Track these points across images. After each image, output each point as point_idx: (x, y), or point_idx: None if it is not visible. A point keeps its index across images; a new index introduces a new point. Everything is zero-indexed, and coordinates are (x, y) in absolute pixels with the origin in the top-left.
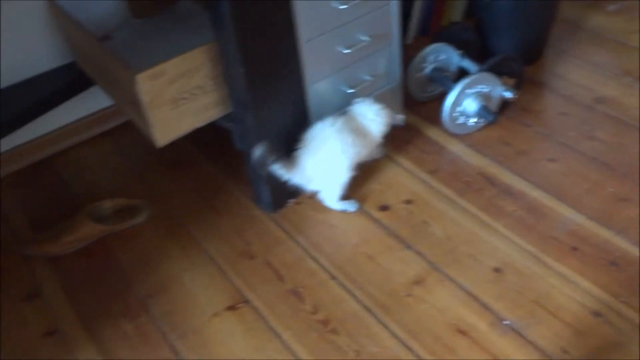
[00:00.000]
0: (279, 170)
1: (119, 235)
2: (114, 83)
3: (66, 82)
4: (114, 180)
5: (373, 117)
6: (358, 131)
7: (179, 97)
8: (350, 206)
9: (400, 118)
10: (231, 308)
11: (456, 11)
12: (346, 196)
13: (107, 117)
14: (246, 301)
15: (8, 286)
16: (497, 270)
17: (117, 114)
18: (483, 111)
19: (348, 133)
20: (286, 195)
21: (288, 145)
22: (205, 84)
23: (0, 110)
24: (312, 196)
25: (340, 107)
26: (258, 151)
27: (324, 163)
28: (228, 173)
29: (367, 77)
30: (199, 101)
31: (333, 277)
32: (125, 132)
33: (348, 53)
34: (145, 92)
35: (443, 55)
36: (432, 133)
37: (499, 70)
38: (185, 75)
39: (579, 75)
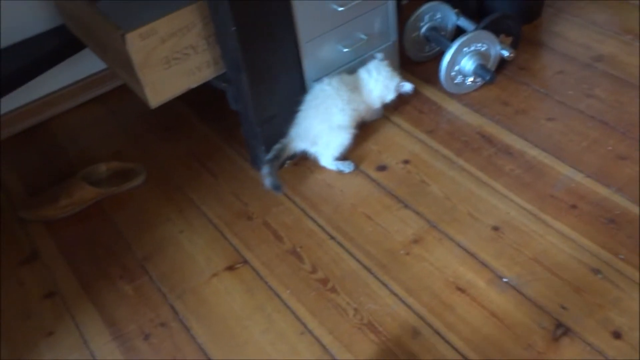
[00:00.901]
0: (290, 151)
1: (115, 198)
2: (105, 45)
3: (56, 45)
4: (109, 144)
5: (378, 78)
6: (355, 88)
7: (171, 56)
8: (346, 167)
9: (408, 86)
10: (230, 268)
11: None
12: (343, 157)
13: (100, 81)
14: (245, 261)
15: (6, 250)
16: (495, 228)
17: (110, 77)
18: (481, 70)
19: (345, 90)
20: None
21: (284, 105)
22: (197, 43)
23: None
24: (309, 156)
25: (336, 67)
26: (264, 171)
27: (325, 121)
28: (224, 135)
29: (362, 36)
30: (192, 61)
31: (331, 237)
32: (120, 96)
33: (342, 11)
34: (136, 52)
35: (439, 14)
36: (430, 93)
37: (496, 29)
38: (177, 35)
39: (577, 33)
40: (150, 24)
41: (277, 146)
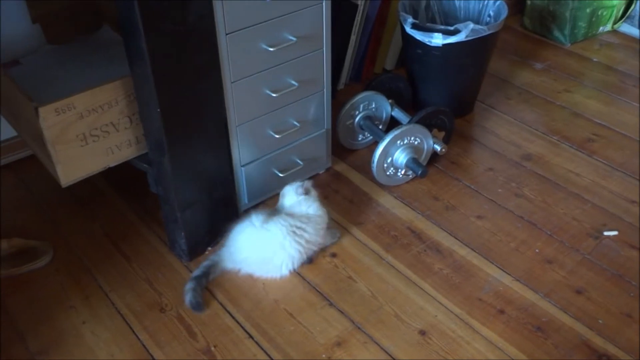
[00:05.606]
0: (218, 271)
1: (13, 280)
2: (17, 114)
3: None
4: (15, 217)
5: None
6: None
7: (88, 133)
8: None
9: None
10: None
11: (389, 60)
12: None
13: (11, 149)
14: None
15: None
16: (422, 332)
17: (22, 145)
18: (413, 164)
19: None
20: (203, 242)
21: (208, 191)
22: (119, 121)
23: None
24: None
25: (267, 152)
26: (188, 287)
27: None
28: (142, 215)
29: (295, 123)
30: (112, 139)
31: (250, 336)
32: (31, 165)
33: (276, 97)
34: (49, 127)
35: (374, 103)
36: (360, 182)
37: (429, 123)
38: (97, 111)
39: (507, 131)
40: (68, 98)
41: (205, 263)
